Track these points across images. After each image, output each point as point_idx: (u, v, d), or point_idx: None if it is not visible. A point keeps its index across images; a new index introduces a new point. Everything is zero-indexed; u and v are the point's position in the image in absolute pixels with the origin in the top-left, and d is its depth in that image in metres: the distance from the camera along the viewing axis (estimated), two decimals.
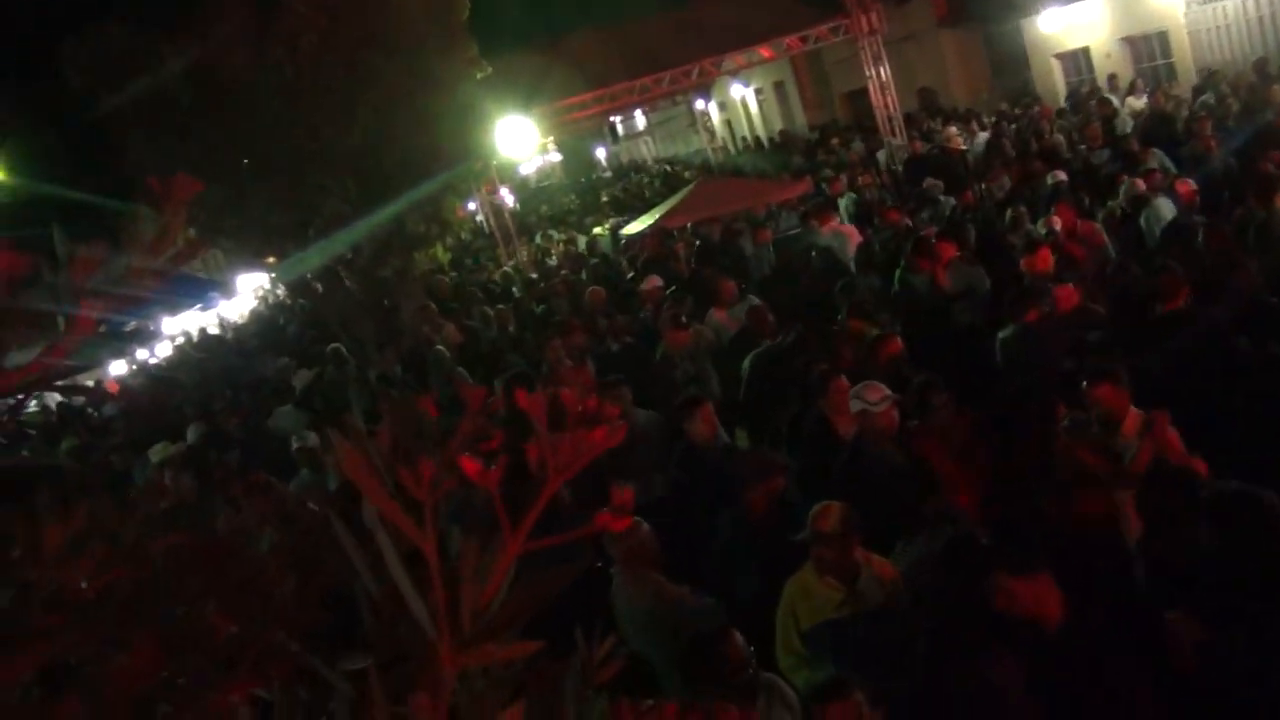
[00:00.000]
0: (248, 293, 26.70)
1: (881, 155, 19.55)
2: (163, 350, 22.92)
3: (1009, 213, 10.51)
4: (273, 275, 18.95)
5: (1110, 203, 10.24)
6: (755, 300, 9.59)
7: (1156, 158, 11.14)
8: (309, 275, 14.19)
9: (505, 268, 19.39)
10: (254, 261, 17.16)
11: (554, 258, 19.54)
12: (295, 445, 8.37)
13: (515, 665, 0.88)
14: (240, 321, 26.50)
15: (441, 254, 16.21)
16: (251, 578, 1.45)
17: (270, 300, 26.70)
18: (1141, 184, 9.77)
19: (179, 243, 1.26)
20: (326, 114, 11.48)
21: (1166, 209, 9.09)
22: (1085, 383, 5.27)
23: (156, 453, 9.69)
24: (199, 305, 24.48)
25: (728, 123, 37.46)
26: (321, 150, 11.55)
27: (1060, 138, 14.78)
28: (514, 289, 16.40)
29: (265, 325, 23.69)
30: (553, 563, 0.83)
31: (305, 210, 11.92)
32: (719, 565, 5.41)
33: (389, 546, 0.75)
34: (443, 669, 0.70)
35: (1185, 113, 13.96)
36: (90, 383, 16.75)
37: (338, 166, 11.81)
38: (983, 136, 17.10)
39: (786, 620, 4.45)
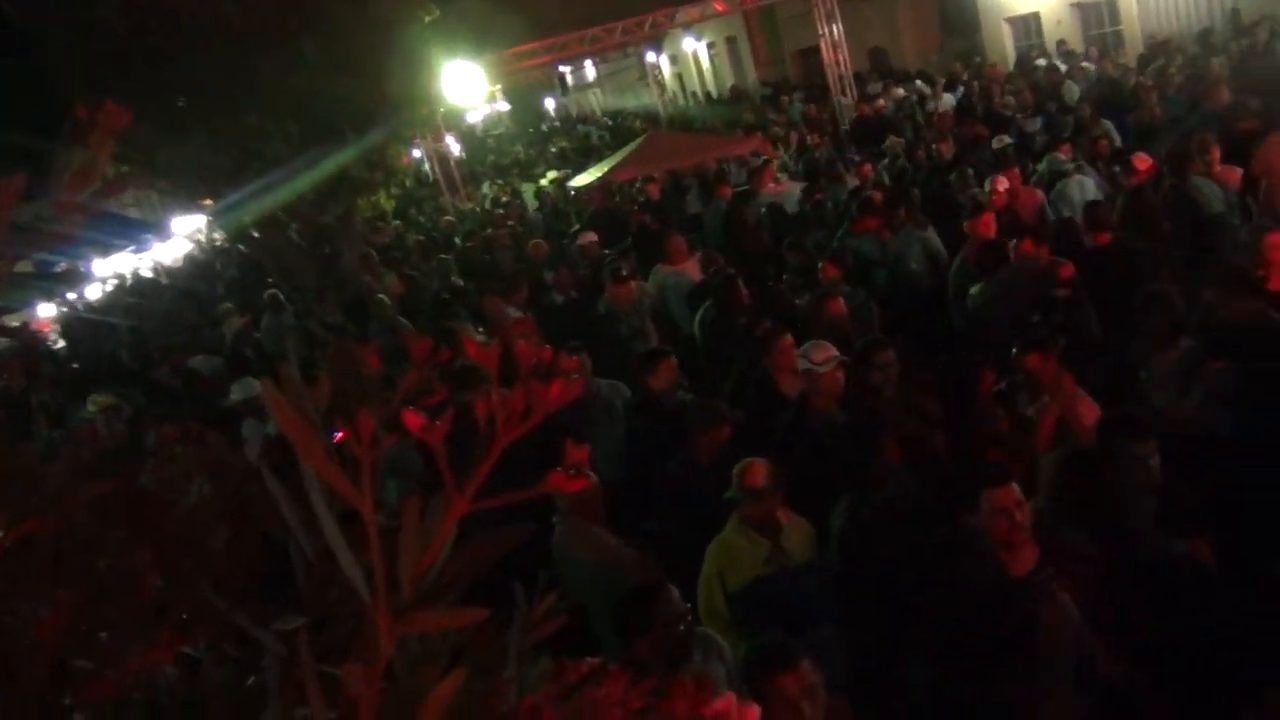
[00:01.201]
0: (183, 236, 26.02)
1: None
2: (93, 293, 22.34)
3: (953, 175, 10.59)
4: (210, 219, 18.45)
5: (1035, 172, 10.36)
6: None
7: (1103, 127, 11.26)
8: (247, 220, 13.84)
9: (449, 217, 19.12)
10: (190, 204, 16.69)
11: (499, 208, 19.30)
12: (234, 397, 8.20)
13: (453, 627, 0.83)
14: (175, 265, 25.85)
15: (385, 201, 15.90)
16: (179, 530, 1.39)
17: (206, 244, 26.08)
18: (1061, 156, 9.89)
19: (107, 176, 1.19)
20: (268, 53, 11.13)
21: (1087, 187, 9.18)
22: (1015, 350, 5.36)
23: (95, 402, 9.43)
24: (132, 247, 23.82)
25: (678, 76, 37.17)
26: (262, 90, 11.21)
27: (1011, 100, 14.87)
28: (456, 239, 16.18)
29: (201, 270, 23.15)
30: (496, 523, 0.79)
31: (244, 152, 11.58)
32: (665, 511, 5.43)
33: (322, 505, 0.70)
34: (378, 636, 0.65)
35: (1132, 81, 14.10)
36: (16, 324, 16.27)
37: (279, 107, 11.47)
38: (948, 98, 17.11)
39: (711, 583, 4.43)
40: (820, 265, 8.13)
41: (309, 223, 13.26)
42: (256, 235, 14.11)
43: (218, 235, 23.31)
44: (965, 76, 18.59)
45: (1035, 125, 12.71)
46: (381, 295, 11.77)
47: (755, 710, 0.70)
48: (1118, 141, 10.91)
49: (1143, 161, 8.39)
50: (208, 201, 14.80)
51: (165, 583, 1.34)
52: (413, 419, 0.63)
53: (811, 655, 3.13)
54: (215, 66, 10.80)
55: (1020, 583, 3.74)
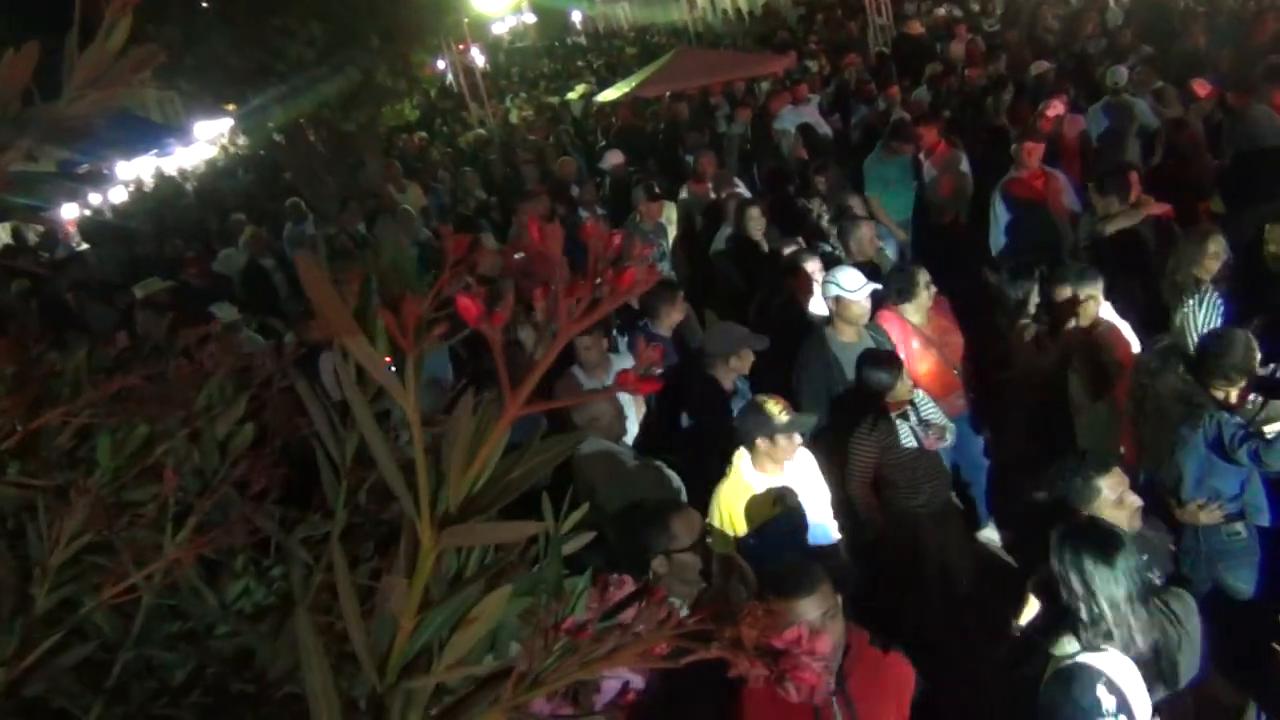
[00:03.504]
0: (206, 142, 25.82)
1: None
2: (116, 196, 22.25)
3: (990, 100, 10.32)
4: (233, 124, 18.27)
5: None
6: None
7: (1145, 54, 10.89)
8: (270, 126, 13.68)
9: (477, 129, 18.87)
10: (214, 108, 16.49)
11: (524, 123, 19.03)
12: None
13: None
14: (198, 170, 25.69)
15: (409, 112, 15.69)
16: (199, 428, 1.34)
17: (230, 150, 25.89)
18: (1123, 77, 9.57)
19: (128, 55, 1.09)
20: None
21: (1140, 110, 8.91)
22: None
23: (146, 286, 9.41)
24: (154, 151, 23.62)
25: None
26: None
27: (1055, 24, 14.41)
28: (482, 153, 15.98)
29: (223, 176, 23.00)
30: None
31: (267, 54, 11.38)
32: (686, 437, 5.39)
33: (358, 396, 0.64)
34: (421, 549, 0.60)
35: (1181, 5, 13.60)
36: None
37: (302, 9, 11.24)
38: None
39: (721, 529, 4.38)
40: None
41: (332, 130, 13.10)
42: (279, 141, 13.99)
43: (241, 141, 23.14)
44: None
45: (1100, 45, 12.27)
46: (406, 206, 11.66)
47: (827, 642, 0.64)
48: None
49: (1203, 87, 8.11)
50: (231, 106, 14.63)
51: (185, 482, 1.30)
52: (468, 306, 0.56)
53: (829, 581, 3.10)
54: None
55: None
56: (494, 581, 0.69)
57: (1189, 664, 3.10)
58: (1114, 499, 3.42)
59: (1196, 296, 4.77)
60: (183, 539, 1.23)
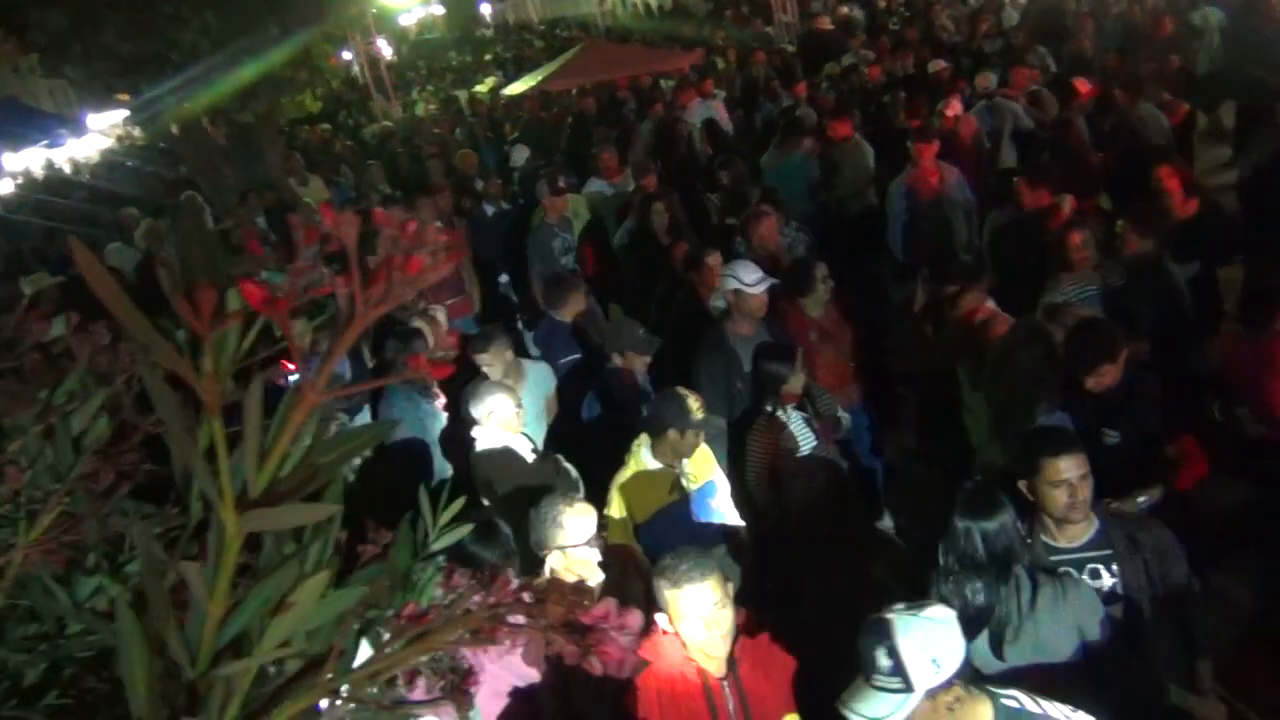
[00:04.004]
0: (99, 133, 24.92)
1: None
2: (3, 188, 21.38)
3: (887, 97, 10.55)
4: (128, 115, 17.65)
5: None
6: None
7: (1039, 55, 11.26)
8: (166, 117, 13.26)
9: (382, 122, 18.58)
10: (106, 98, 15.93)
11: (429, 116, 18.80)
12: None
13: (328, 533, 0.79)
14: (91, 162, 24.79)
15: (311, 103, 15.36)
16: (53, 424, 1.31)
17: (125, 142, 25.04)
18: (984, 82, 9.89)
19: None
20: None
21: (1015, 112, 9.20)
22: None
23: (31, 282, 9.06)
24: (44, 142, 22.75)
25: None
26: None
27: (949, 24, 14.78)
28: (387, 146, 15.75)
29: (117, 168, 22.23)
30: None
31: (160, 42, 11.03)
32: (587, 433, 5.40)
33: (161, 388, 0.64)
34: (224, 531, 0.60)
35: (1071, 7, 14.07)
36: None
37: None
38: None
39: (618, 520, 4.41)
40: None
41: (231, 121, 12.77)
42: (176, 133, 13.58)
43: (136, 132, 22.39)
44: None
45: (995, 46, 12.63)
46: (307, 199, 11.44)
47: (637, 617, 0.66)
48: (1053, 68, 10.94)
49: (1083, 85, 8.40)
50: (124, 96, 14.15)
51: (39, 478, 1.27)
52: (253, 291, 0.57)
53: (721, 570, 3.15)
54: None
55: None
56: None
57: (1034, 646, 3.19)
58: (1052, 478, 3.37)
59: (1066, 290, 4.98)
60: (35, 536, 1.21)
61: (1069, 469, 3.34)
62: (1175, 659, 3.50)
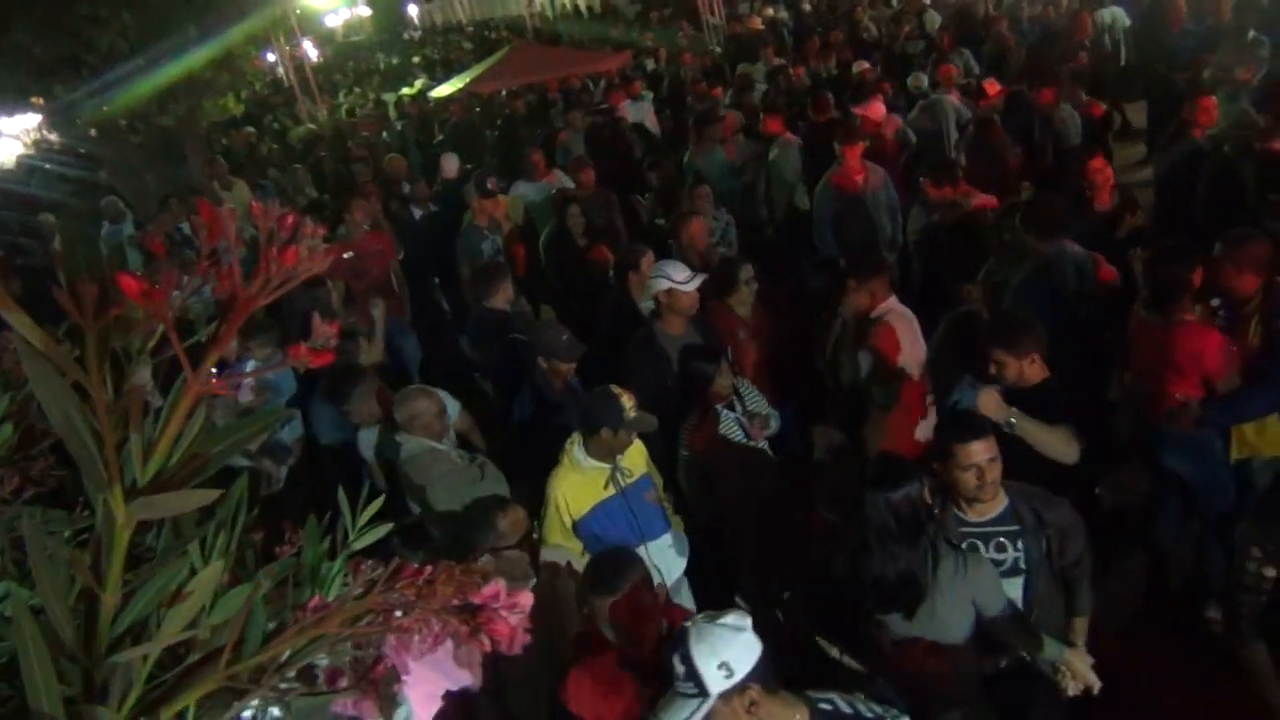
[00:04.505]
0: (11, 136, 24.16)
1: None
2: None
3: (810, 100, 10.70)
4: (43, 118, 17.16)
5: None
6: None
7: (963, 57, 11.51)
8: (83, 121, 12.92)
9: (308, 125, 18.34)
10: (19, 101, 15.47)
11: (355, 118, 18.59)
12: None
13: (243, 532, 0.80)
14: (6, 167, 24.03)
15: (233, 106, 15.09)
16: None
17: (39, 146, 24.31)
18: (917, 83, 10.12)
19: None
20: None
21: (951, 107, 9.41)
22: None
23: None
24: None
25: None
26: None
27: (872, 27, 15.04)
28: (313, 149, 15.55)
29: (31, 173, 21.58)
30: None
31: (75, 44, 10.74)
32: (517, 433, 5.40)
33: (48, 377, 0.64)
34: (112, 520, 0.61)
35: (982, 11, 14.42)
36: None
37: None
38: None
39: (552, 517, 4.43)
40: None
41: (150, 125, 12.49)
42: (95, 137, 13.24)
43: (52, 137, 21.75)
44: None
45: (918, 48, 12.87)
46: (232, 204, 11.23)
47: (529, 597, 0.69)
48: (976, 70, 11.20)
49: (992, 86, 8.59)
50: (38, 100, 13.75)
51: None
52: (129, 283, 0.58)
53: (650, 564, 3.20)
54: None
55: None
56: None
57: (929, 614, 3.31)
58: (963, 462, 3.49)
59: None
60: None
61: (979, 453, 3.47)
62: (1062, 626, 3.66)
